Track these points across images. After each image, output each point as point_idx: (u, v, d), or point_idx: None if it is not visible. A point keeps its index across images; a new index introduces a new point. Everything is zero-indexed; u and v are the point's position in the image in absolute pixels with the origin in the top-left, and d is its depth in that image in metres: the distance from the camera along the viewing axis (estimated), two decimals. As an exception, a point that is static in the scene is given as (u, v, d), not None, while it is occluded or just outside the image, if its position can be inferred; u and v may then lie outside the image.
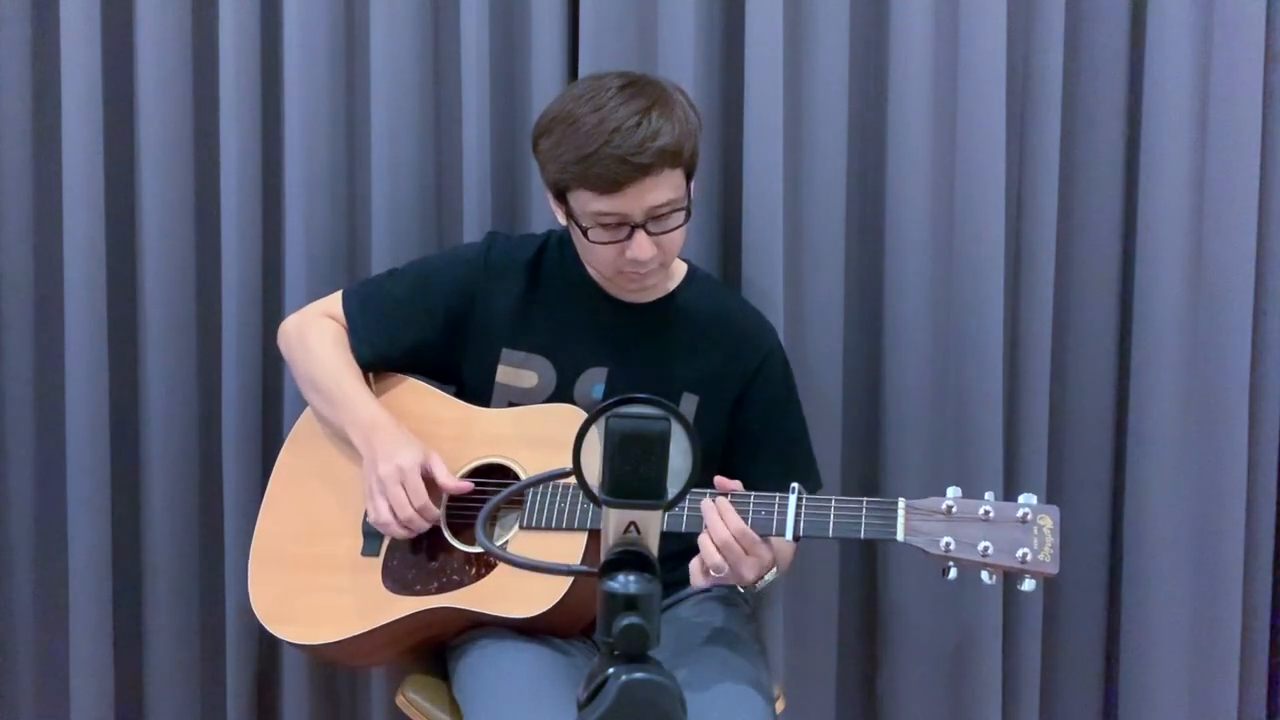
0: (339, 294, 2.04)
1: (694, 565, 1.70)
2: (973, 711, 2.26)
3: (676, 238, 1.85)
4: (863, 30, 2.23)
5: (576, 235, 1.86)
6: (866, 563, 2.34)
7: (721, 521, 1.67)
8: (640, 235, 1.80)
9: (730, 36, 2.24)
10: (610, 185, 1.77)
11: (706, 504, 1.68)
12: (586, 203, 1.80)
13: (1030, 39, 2.21)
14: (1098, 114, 2.25)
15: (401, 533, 1.84)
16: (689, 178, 1.84)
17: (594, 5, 2.19)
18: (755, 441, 1.95)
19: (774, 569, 1.75)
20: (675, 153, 1.79)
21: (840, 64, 2.20)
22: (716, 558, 1.67)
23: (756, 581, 1.73)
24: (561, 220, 1.90)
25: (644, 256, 1.81)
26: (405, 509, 1.81)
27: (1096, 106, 2.25)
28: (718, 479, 1.72)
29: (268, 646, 2.37)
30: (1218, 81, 2.17)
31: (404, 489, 1.81)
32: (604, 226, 1.81)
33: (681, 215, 1.83)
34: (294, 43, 2.24)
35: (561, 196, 1.85)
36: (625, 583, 1.11)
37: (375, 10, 2.23)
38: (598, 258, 1.86)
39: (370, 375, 2.00)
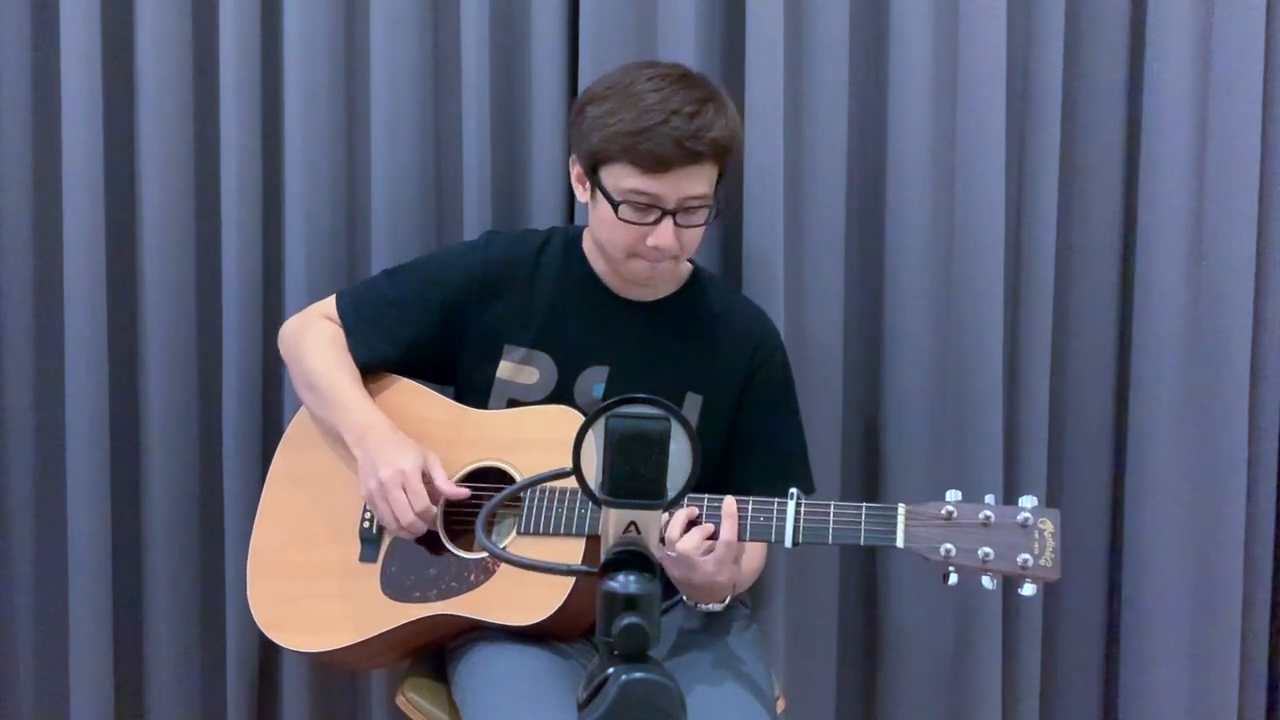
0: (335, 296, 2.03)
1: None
2: (973, 712, 2.26)
3: (698, 235, 1.86)
4: (863, 30, 2.23)
5: (602, 213, 1.84)
6: (866, 563, 2.34)
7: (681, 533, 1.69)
8: (667, 223, 1.80)
9: (730, 37, 2.24)
10: (657, 165, 1.77)
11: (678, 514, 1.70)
12: (623, 178, 1.79)
13: (1030, 39, 2.21)
14: (1098, 115, 2.26)
15: (405, 535, 1.84)
16: (721, 176, 1.85)
17: (594, 5, 2.19)
18: (751, 440, 1.94)
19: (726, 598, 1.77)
20: (725, 148, 1.81)
21: (840, 64, 2.20)
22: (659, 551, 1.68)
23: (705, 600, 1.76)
24: (583, 198, 1.89)
25: (665, 245, 1.81)
26: (406, 513, 1.80)
27: (1096, 108, 2.25)
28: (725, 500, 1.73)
29: (267, 647, 2.36)
30: (1217, 82, 2.18)
31: (405, 492, 1.80)
32: (635, 207, 1.80)
33: (707, 213, 1.83)
34: (294, 43, 2.23)
35: (594, 170, 1.83)
36: (625, 582, 1.11)
37: (375, 10, 2.23)
38: (618, 238, 1.84)
39: (365, 377, 1.99)
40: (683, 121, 1.76)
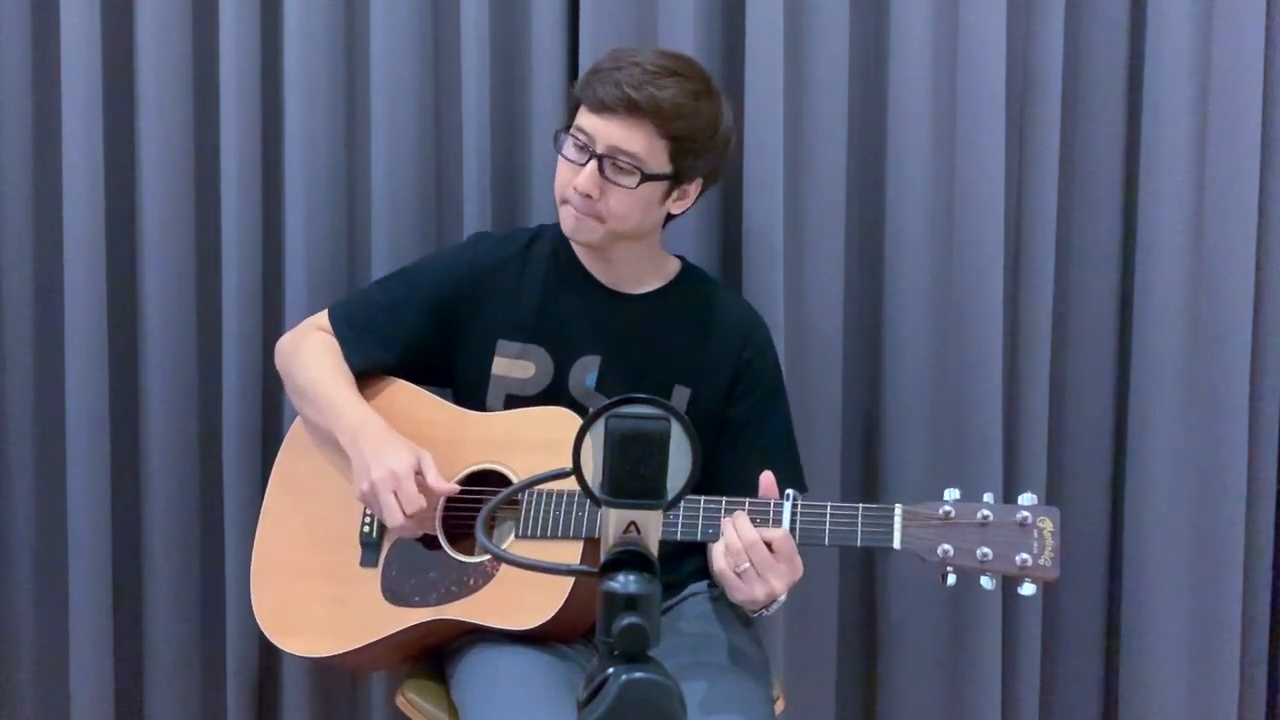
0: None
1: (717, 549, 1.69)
2: (972, 710, 2.26)
3: (625, 200, 1.84)
4: (863, 30, 2.23)
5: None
6: (865, 561, 2.34)
7: (735, 531, 1.66)
8: (591, 165, 1.83)
9: (730, 37, 2.24)
10: (597, 104, 1.82)
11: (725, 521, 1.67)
12: (579, 117, 1.86)
13: (1030, 39, 2.21)
14: (1098, 114, 2.26)
15: (401, 534, 1.84)
16: (676, 163, 1.84)
17: (594, 6, 2.19)
18: (740, 433, 1.94)
19: (778, 600, 1.70)
20: (666, 115, 1.81)
21: (840, 64, 2.20)
22: (721, 562, 1.66)
23: (760, 606, 1.69)
24: None
25: (579, 184, 1.83)
26: (397, 516, 1.79)
27: (1096, 107, 2.25)
28: (764, 477, 1.71)
29: (268, 647, 2.35)
30: (1218, 81, 2.18)
31: (396, 496, 1.80)
32: (574, 144, 1.85)
33: (636, 177, 1.82)
34: (294, 43, 2.23)
35: (574, 115, 1.88)
36: (625, 582, 1.11)
37: (375, 10, 2.23)
38: (559, 176, 1.89)
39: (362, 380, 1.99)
40: (636, 73, 1.81)
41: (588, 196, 1.84)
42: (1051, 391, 2.28)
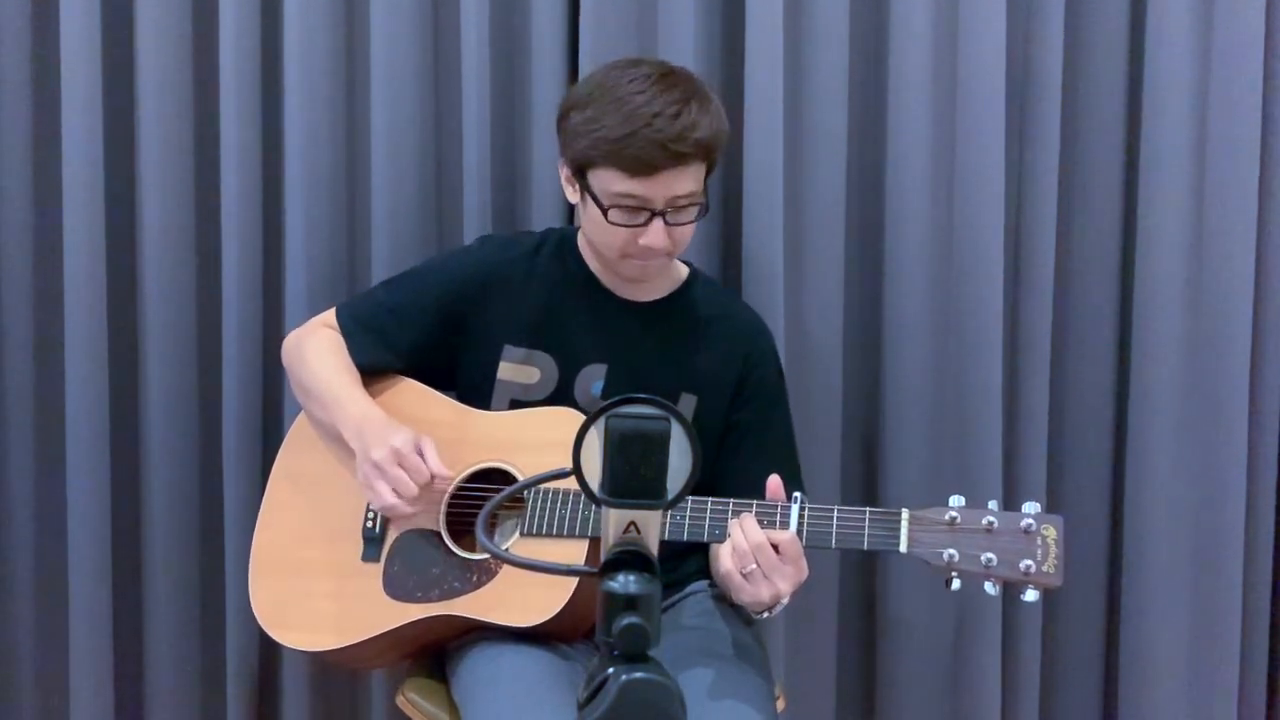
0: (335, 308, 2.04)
1: (724, 549, 1.68)
2: (972, 711, 2.26)
3: (689, 231, 1.86)
4: (863, 30, 2.23)
5: (592, 215, 1.84)
6: (866, 564, 2.34)
7: (742, 533, 1.66)
8: (657, 223, 1.81)
9: (731, 37, 2.24)
10: (643, 169, 1.77)
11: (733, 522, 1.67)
12: (610, 183, 1.79)
13: (1030, 39, 2.21)
14: (1098, 114, 2.26)
15: (408, 511, 1.83)
16: (709, 173, 1.86)
17: (594, 6, 2.19)
18: (742, 438, 1.94)
19: (781, 603, 1.70)
20: (709, 146, 1.81)
21: (840, 64, 2.20)
22: (728, 563, 1.66)
23: (764, 608, 1.70)
24: (573, 199, 1.89)
25: (657, 245, 1.82)
26: (409, 487, 1.79)
27: (1096, 107, 2.26)
28: (771, 480, 1.71)
29: (268, 646, 2.36)
30: (1218, 82, 2.18)
31: (403, 469, 1.80)
32: (624, 209, 1.80)
33: (698, 209, 1.84)
34: (294, 43, 2.23)
35: (581, 173, 1.84)
36: (625, 582, 1.11)
37: (375, 10, 2.23)
38: (610, 239, 1.84)
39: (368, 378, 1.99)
40: (666, 124, 1.76)
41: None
42: (1051, 392, 2.28)
